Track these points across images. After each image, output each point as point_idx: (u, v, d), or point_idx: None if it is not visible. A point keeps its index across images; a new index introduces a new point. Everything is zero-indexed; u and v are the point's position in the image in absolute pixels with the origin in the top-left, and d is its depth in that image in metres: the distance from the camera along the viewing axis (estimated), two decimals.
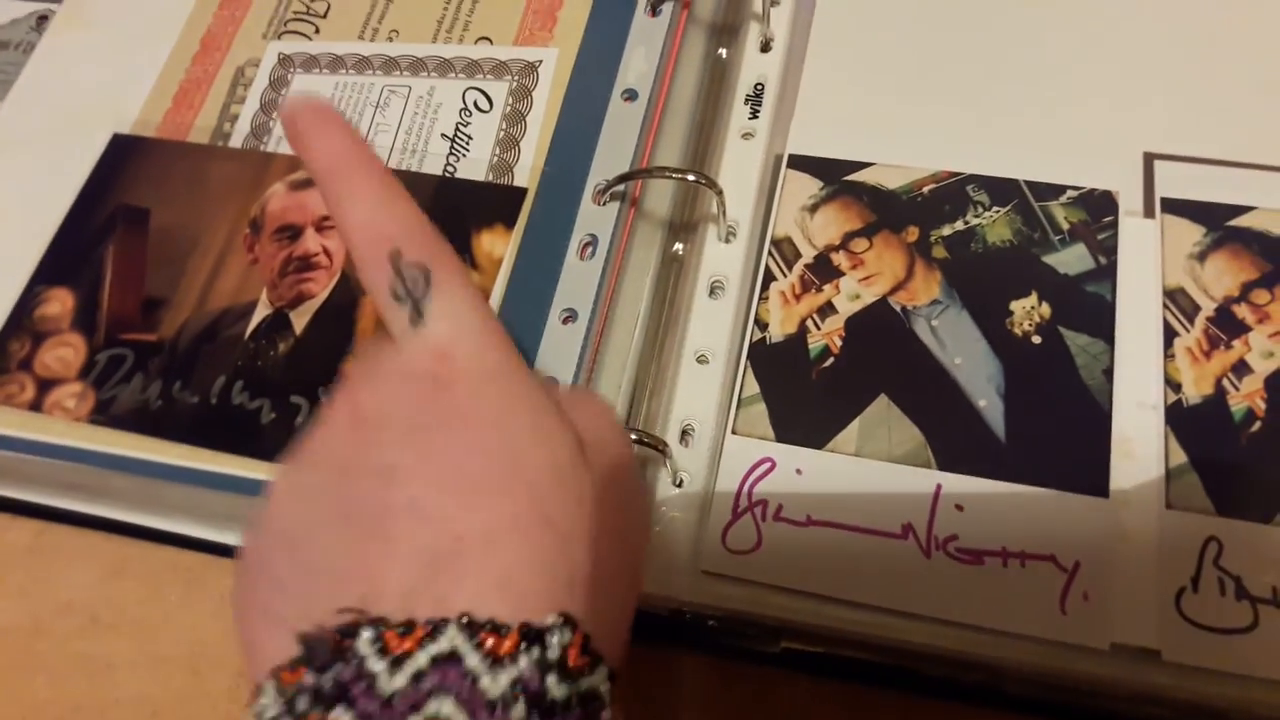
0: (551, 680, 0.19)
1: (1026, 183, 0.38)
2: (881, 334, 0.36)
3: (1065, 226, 0.37)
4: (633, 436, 0.34)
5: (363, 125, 0.42)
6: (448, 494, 0.21)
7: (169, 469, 0.36)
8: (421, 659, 0.19)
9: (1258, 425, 0.33)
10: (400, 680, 0.19)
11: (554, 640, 0.20)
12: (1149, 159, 0.38)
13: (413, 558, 0.21)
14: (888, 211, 0.38)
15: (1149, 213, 0.37)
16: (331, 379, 0.37)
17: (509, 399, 0.23)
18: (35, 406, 0.38)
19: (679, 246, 0.40)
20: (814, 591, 0.32)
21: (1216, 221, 0.36)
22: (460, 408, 0.23)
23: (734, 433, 0.35)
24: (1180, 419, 0.33)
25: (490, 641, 0.19)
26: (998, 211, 0.38)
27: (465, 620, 0.19)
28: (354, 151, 0.25)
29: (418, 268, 0.23)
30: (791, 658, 0.33)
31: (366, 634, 0.19)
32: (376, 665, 0.19)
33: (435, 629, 0.19)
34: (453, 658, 0.19)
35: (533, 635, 0.20)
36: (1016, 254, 0.37)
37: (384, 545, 0.21)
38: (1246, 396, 0.33)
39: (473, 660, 0.19)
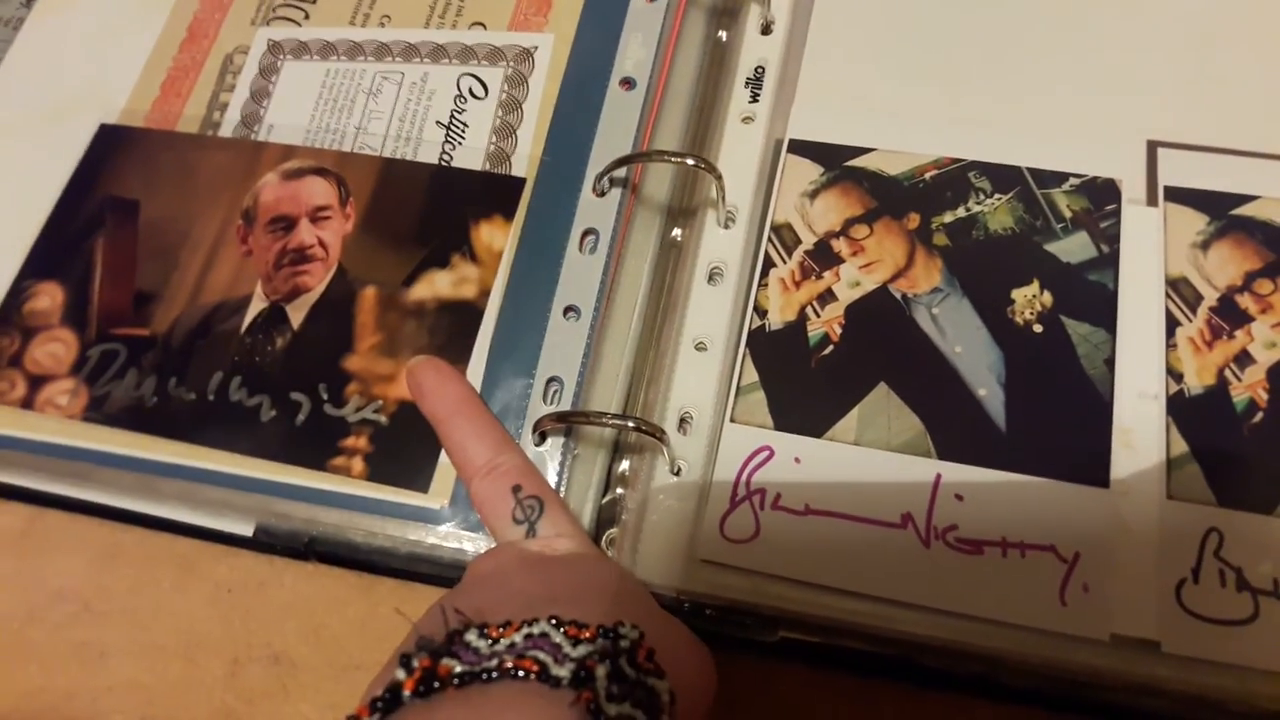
0: (623, 661, 0.24)
1: (1029, 170, 0.38)
2: (882, 322, 0.36)
3: (1068, 214, 0.37)
4: (630, 424, 0.35)
5: (355, 112, 0.43)
6: (548, 591, 0.29)
7: (166, 467, 0.37)
8: (517, 637, 0.24)
9: (1260, 416, 0.33)
10: (499, 647, 0.24)
11: (625, 632, 0.25)
12: (1153, 147, 0.38)
13: (517, 602, 0.28)
14: (889, 198, 0.38)
15: (1152, 201, 0.37)
16: (332, 375, 0.37)
17: (590, 561, 0.32)
18: (27, 404, 0.39)
19: (678, 232, 0.40)
20: (812, 581, 0.33)
21: (1220, 210, 0.37)
22: (559, 565, 0.31)
23: (732, 421, 0.35)
24: (1182, 409, 0.34)
25: (573, 631, 0.24)
26: (1000, 199, 0.38)
27: (553, 619, 0.25)
28: (470, 400, 0.35)
29: (534, 500, 0.32)
30: (789, 647, 0.33)
31: (473, 630, 0.25)
32: (480, 642, 0.24)
33: (529, 622, 0.25)
34: (543, 636, 0.24)
35: (608, 632, 0.25)
36: (1018, 242, 0.37)
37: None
38: (1249, 387, 0.34)
39: (558, 637, 0.24)
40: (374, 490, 0.36)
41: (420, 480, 0.35)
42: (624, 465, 0.37)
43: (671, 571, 0.34)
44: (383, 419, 0.36)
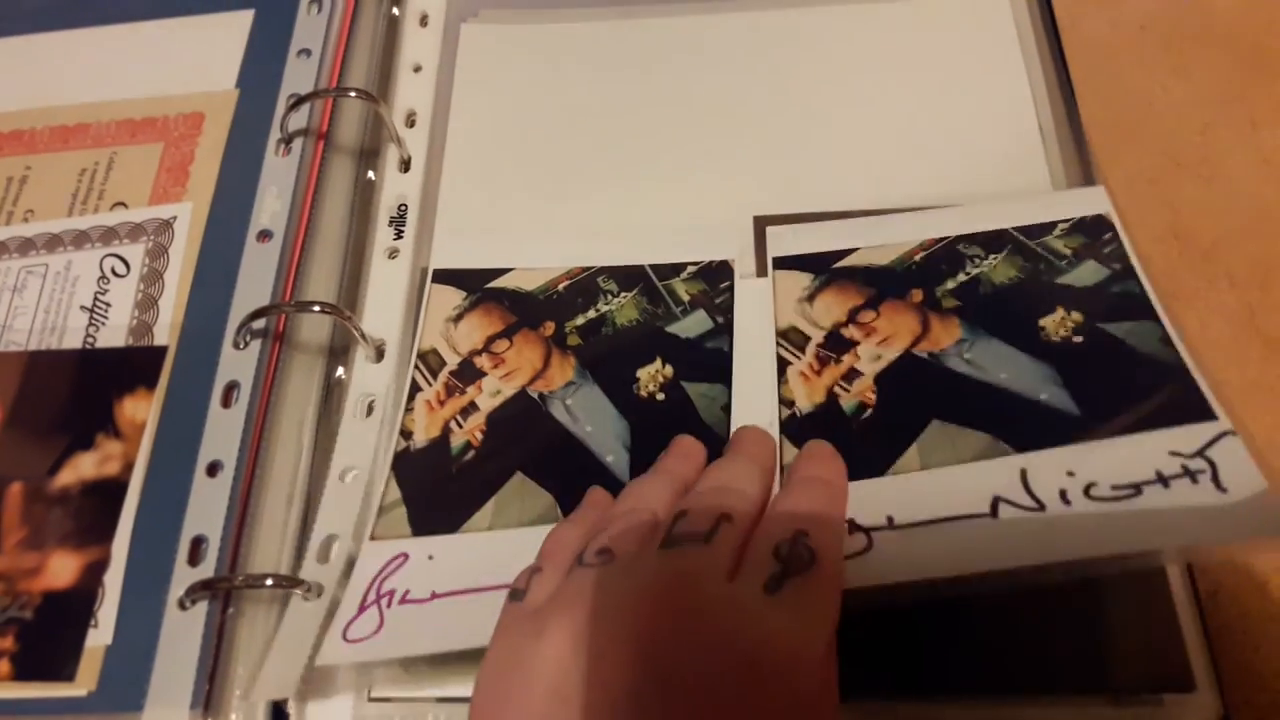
0: None
1: (651, 266, 0.43)
2: (520, 421, 0.39)
3: (686, 299, 0.41)
4: (268, 582, 0.36)
5: (0, 312, 0.45)
6: None
7: None
8: None
9: (869, 413, 0.37)
10: None
11: None
12: (760, 224, 0.43)
13: None
14: (526, 311, 0.42)
15: (762, 272, 0.42)
16: None
17: None
18: None
19: (341, 372, 0.43)
20: (426, 654, 0.34)
21: (824, 267, 0.41)
22: None
23: (373, 539, 0.37)
24: (796, 428, 0.37)
25: None
26: (626, 296, 0.42)
27: None
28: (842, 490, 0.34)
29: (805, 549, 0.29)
30: None
31: None
32: None
33: None
34: None
35: None
36: (643, 330, 0.41)
37: None
38: (858, 393, 0.37)
39: None
40: (20, 690, 0.35)
41: (67, 669, 0.35)
42: None
43: (286, 683, 0.34)
44: (27, 614, 0.36)
